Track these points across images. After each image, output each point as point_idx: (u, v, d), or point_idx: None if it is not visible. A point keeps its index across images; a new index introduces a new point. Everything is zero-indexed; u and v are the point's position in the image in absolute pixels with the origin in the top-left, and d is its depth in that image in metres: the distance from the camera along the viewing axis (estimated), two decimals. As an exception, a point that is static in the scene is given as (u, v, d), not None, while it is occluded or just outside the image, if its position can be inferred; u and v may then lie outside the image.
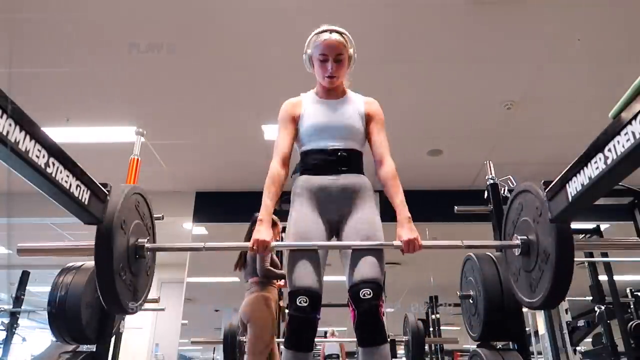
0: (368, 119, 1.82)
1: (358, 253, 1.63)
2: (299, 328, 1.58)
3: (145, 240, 1.65)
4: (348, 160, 1.74)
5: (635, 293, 4.03)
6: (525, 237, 1.62)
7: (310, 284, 1.58)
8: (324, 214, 1.71)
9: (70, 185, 1.28)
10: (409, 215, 1.64)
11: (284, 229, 2.10)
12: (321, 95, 1.86)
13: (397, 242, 1.60)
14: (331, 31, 1.76)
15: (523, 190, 1.68)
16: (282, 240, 2.94)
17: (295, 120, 1.82)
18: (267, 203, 1.67)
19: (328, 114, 1.81)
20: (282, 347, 1.89)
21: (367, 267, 1.60)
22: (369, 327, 1.56)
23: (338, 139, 1.75)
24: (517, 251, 1.65)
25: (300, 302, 1.55)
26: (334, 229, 1.74)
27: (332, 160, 1.73)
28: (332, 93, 1.85)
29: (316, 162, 1.75)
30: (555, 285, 1.44)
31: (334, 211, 1.71)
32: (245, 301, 3.02)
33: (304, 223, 1.67)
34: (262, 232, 1.60)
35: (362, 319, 1.56)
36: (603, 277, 4.00)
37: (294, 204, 1.73)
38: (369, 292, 1.55)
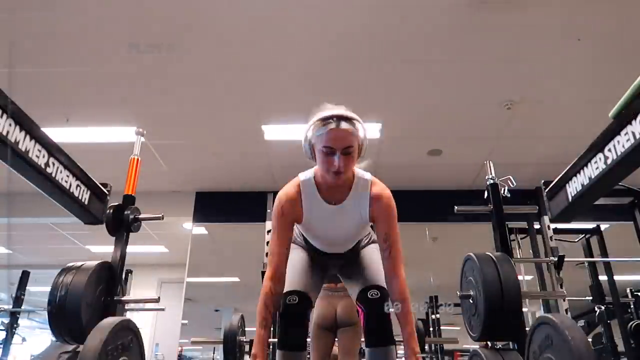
0: (375, 220, 1.63)
1: (362, 267, 1.73)
2: (290, 326, 1.60)
3: None
4: (349, 252, 1.82)
5: (635, 293, 4.04)
6: None
7: (300, 287, 1.65)
8: (322, 265, 1.83)
9: (70, 185, 1.28)
10: (418, 349, 1.54)
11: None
12: (323, 192, 1.61)
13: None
14: (338, 118, 1.46)
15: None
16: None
17: (293, 222, 1.65)
18: (261, 333, 1.52)
19: (330, 225, 1.65)
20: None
21: (373, 275, 1.68)
22: (378, 328, 1.59)
23: (340, 246, 1.79)
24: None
25: (289, 301, 1.60)
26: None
27: (332, 256, 1.81)
28: (336, 190, 1.60)
29: (317, 250, 1.80)
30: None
31: (332, 268, 1.86)
32: (343, 304, 2.89)
33: (298, 275, 1.72)
34: None
35: (371, 319, 1.60)
36: (603, 277, 4.01)
37: (291, 253, 1.74)
38: (376, 293, 1.60)
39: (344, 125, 1.45)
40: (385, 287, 1.62)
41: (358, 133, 1.49)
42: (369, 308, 1.59)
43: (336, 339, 2.81)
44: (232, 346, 3.27)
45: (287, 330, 1.60)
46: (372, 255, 1.77)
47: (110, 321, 1.53)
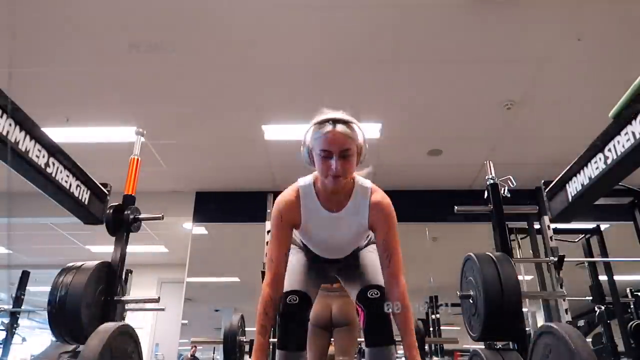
0: (374, 229, 1.62)
1: (361, 268, 1.73)
2: (290, 326, 1.60)
3: None
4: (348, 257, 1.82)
5: (635, 293, 4.03)
6: None
7: (301, 286, 1.65)
8: (321, 267, 1.81)
9: (70, 185, 1.28)
10: (419, 359, 1.52)
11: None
12: (322, 199, 1.60)
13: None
14: (335, 121, 1.45)
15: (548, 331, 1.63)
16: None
17: (292, 227, 1.63)
18: (260, 341, 1.52)
19: (329, 232, 1.64)
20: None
21: (373, 275, 1.67)
22: (378, 327, 1.59)
23: (338, 254, 1.79)
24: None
25: (289, 301, 1.60)
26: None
27: (331, 261, 1.81)
28: (335, 197, 1.59)
29: (316, 256, 1.80)
30: None
31: (331, 270, 1.84)
32: (338, 303, 2.88)
33: (298, 275, 1.72)
34: None
35: (371, 319, 1.60)
36: (603, 277, 4.01)
37: (291, 253, 1.74)
38: (376, 292, 1.60)
39: (340, 128, 1.44)
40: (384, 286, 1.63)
41: (356, 136, 1.47)
42: (369, 308, 1.59)
43: (332, 339, 2.82)
44: (232, 346, 3.27)
45: (287, 330, 1.60)
46: (371, 255, 1.77)
47: (108, 326, 1.52)
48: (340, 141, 1.43)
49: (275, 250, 1.58)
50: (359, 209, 1.58)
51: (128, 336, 1.66)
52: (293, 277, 1.68)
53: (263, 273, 3.84)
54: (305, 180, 1.62)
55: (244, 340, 3.41)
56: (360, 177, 1.62)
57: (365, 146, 1.52)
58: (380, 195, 1.60)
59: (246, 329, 3.56)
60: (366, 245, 1.84)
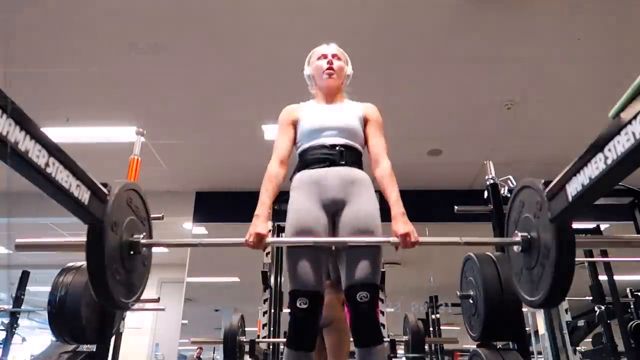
0: (366, 121, 1.85)
1: (355, 250, 1.60)
2: (300, 329, 1.58)
3: (141, 236, 1.64)
4: (347, 155, 1.73)
5: (635, 293, 4.03)
6: (526, 234, 1.60)
7: (310, 285, 1.58)
8: (323, 202, 1.67)
9: (70, 185, 1.28)
10: (404, 210, 1.63)
11: (282, 229, 2.09)
12: (320, 101, 1.92)
13: (393, 238, 1.58)
14: (328, 43, 1.93)
15: (523, 186, 1.66)
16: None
17: (294, 124, 1.85)
18: (264, 200, 1.67)
19: (327, 114, 1.83)
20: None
21: (364, 269, 1.58)
22: (365, 329, 1.57)
23: (337, 137, 1.76)
24: (517, 248, 1.63)
25: (300, 305, 1.56)
26: (332, 219, 1.70)
27: (331, 153, 1.72)
28: (331, 99, 1.90)
29: (315, 156, 1.74)
30: (556, 282, 1.42)
31: (332, 200, 1.67)
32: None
33: (303, 214, 1.64)
34: (258, 225, 1.59)
35: (359, 321, 1.58)
36: (603, 277, 4.00)
37: (292, 198, 1.72)
38: (365, 295, 1.55)
39: (333, 44, 1.93)
40: (376, 281, 1.60)
41: (345, 59, 1.92)
42: (357, 310, 1.56)
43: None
44: (232, 346, 3.27)
45: (297, 332, 1.58)
46: (368, 219, 1.64)
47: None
48: (334, 50, 1.91)
49: (280, 140, 1.82)
50: (353, 106, 1.90)
51: (136, 192, 1.70)
52: (303, 270, 1.58)
53: (263, 273, 3.84)
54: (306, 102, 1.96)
55: (244, 340, 3.41)
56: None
57: (351, 73, 1.94)
58: (370, 104, 1.92)
59: (246, 329, 3.56)
60: (367, 192, 1.70)
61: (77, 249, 1.56)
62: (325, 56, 1.88)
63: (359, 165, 1.77)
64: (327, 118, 1.81)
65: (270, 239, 1.63)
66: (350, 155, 1.74)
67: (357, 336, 1.58)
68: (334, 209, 1.68)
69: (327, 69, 1.85)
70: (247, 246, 1.58)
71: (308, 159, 1.75)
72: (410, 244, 1.56)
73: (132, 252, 1.61)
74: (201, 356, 7.43)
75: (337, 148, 1.73)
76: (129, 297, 1.60)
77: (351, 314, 1.60)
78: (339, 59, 1.89)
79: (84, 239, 1.46)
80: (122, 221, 1.57)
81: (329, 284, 2.88)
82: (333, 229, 1.69)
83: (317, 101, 1.93)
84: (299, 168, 1.78)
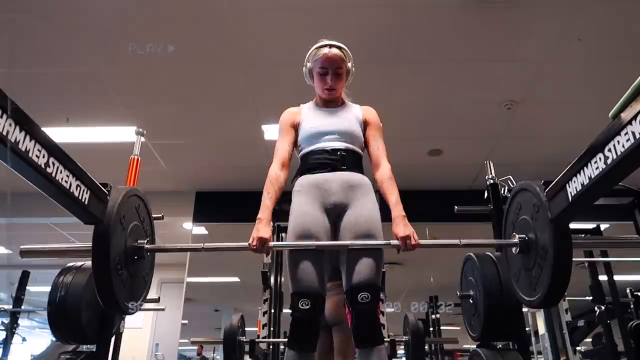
0: (366, 124, 1.87)
1: (356, 252, 1.62)
2: (302, 330, 1.59)
3: (145, 241, 1.65)
4: (348, 159, 1.76)
5: (635, 293, 4.03)
6: (524, 236, 1.61)
7: (312, 286, 1.59)
8: (325, 207, 1.69)
9: (70, 185, 1.28)
10: (404, 213, 1.65)
11: (283, 229, 2.09)
12: (320, 104, 1.92)
13: (394, 241, 1.60)
14: (330, 46, 1.83)
15: (521, 189, 1.67)
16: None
17: (295, 127, 1.86)
18: (267, 203, 1.68)
19: (328, 118, 1.85)
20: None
21: (365, 270, 1.59)
22: (366, 329, 1.58)
23: (338, 141, 1.78)
24: (515, 249, 1.64)
25: (302, 305, 1.56)
26: (334, 222, 1.71)
27: (332, 158, 1.75)
28: (331, 103, 1.91)
29: (316, 161, 1.76)
30: (554, 282, 1.43)
31: (333, 204, 1.69)
32: (330, 303, 2.84)
33: (305, 218, 1.66)
34: (261, 229, 1.61)
35: (360, 322, 1.58)
36: (603, 277, 4.00)
37: (294, 202, 1.73)
38: (367, 296, 1.56)
39: (334, 50, 1.81)
40: (377, 283, 1.61)
41: (347, 59, 1.84)
42: (357, 311, 1.57)
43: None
44: (232, 346, 3.27)
45: (299, 333, 1.59)
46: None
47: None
48: (334, 60, 1.81)
49: (281, 143, 1.83)
50: (353, 109, 1.91)
51: (140, 199, 1.72)
52: (305, 271, 1.59)
53: (263, 273, 3.84)
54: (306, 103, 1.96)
55: (244, 340, 3.41)
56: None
57: (352, 69, 1.88)
58: (369, 107, 1.95)
59: (246, 329, 3.56)
60: (369, 197, 1.71)
61: (82, 254, 1.56)
62: (325, 71, 1.82)
63: (360, 169, 1.79)
64: (327, 122, 1.83)
65: (273, 243, 1.63)
66: (350, 159, 1.77)
67: (358, 336, 1.59)
68: (335, 213, 1.70)
69: (328, 88, 1.84)
70: (250, 250, 1.59)
71: (310, 163, 1.77)
72: (411, 247, 1.59)
73: (136, 257, 1.62)
74: (185, 354, 7.42)
75: (339, 153, 1.76)
76: (133, 301, 1.61)
77: (352, 314, 1.61)
78: (339, 72, 1.83)
79: (89, 244, 1.47)
80: (128, 224, 1.57)
81: (338, 284, 2.87)
82: (335, 232, 1.71)
83: (317, 104, 1.93)
84: (301, 172, 1.80)
